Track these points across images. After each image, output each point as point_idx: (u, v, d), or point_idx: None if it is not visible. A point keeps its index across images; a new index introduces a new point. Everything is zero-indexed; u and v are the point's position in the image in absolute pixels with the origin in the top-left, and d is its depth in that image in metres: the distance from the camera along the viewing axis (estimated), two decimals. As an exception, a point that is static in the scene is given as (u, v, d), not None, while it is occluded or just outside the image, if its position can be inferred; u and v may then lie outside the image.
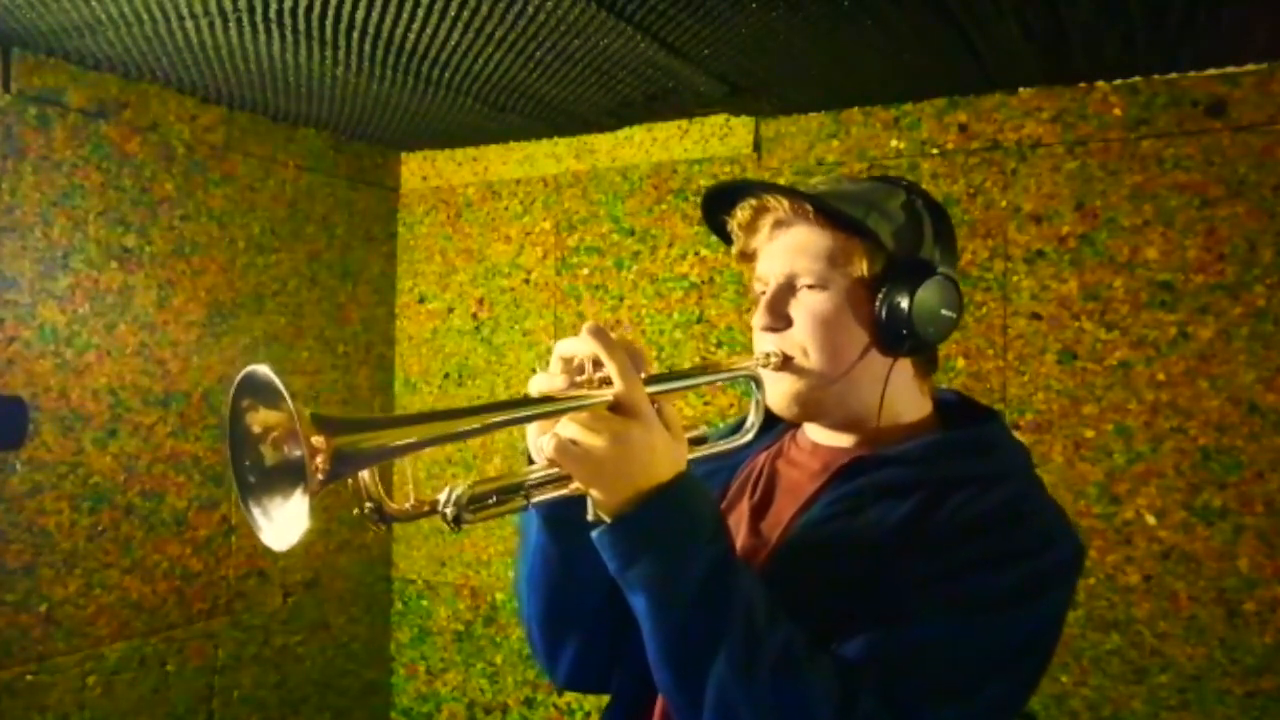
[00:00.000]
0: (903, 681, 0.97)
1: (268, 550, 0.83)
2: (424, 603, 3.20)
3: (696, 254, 2.82)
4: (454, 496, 0.95)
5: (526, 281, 3.08)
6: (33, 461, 2.26)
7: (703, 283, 2.81)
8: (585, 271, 2.98)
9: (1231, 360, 2.25)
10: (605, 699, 1.27)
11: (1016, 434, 2.35)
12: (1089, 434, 2.36)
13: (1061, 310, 2.40)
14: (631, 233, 2.91)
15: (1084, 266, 2.38)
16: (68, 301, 2.33)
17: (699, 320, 2.81)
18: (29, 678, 2.26)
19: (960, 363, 2.47)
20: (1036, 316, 2.43)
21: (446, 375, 3.19)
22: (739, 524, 1.19)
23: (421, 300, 3.24)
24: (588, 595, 1.14)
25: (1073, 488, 2.35)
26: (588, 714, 2.92)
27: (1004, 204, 2.46)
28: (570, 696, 2.93)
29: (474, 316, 3.16)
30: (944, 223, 1.19)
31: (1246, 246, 2.24)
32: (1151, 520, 2.31)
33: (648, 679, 1.02)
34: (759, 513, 1.20)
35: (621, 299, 2.91)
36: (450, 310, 3.20)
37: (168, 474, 2.54)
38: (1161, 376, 2.31)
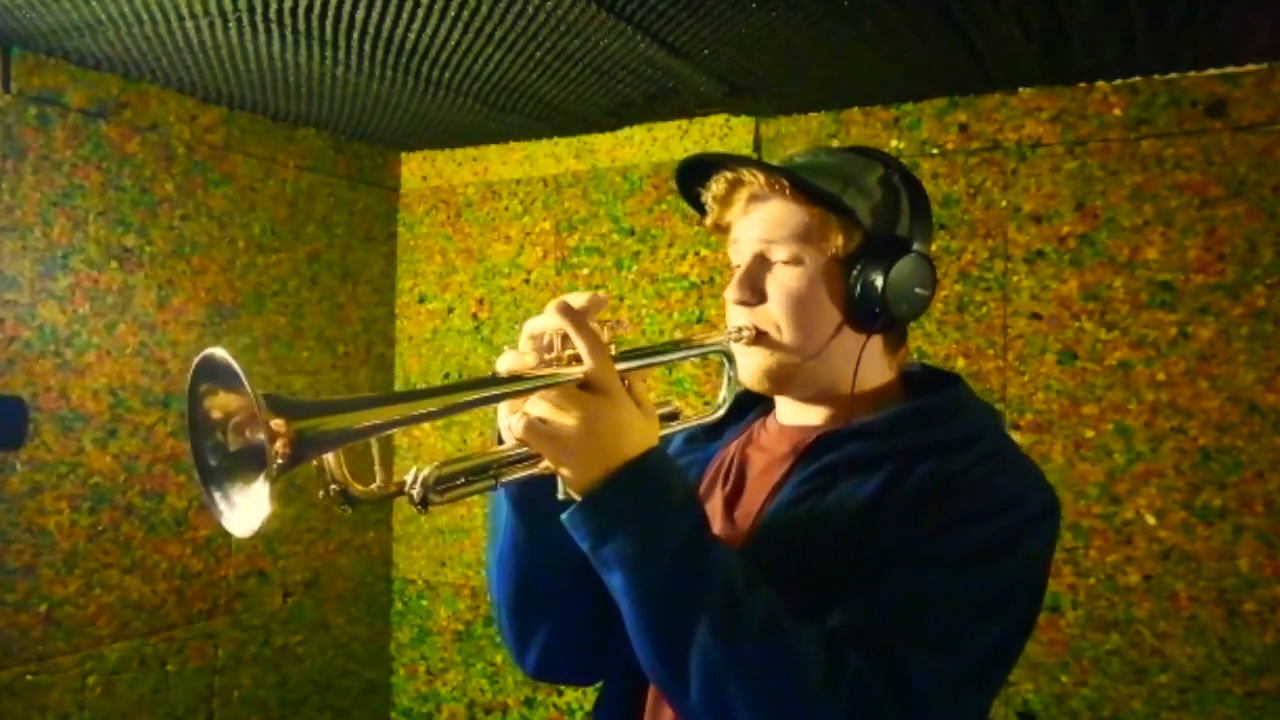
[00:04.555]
0: (887, 638, 0.97)
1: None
2: (424, 603, 3.20)
3: (696, 254, 2.82)
4: (421, 478, 0.93)
5: (526, 281, 3.08)
6: (33, 461, 2.26)
7: (703, 283, 2.81)
8: (585, 271, 2.98)
9: (1231, 360, 2.25)
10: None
11: (1016, 434, 2.39)
12: (1089, 434, 2.36)
13: (1061, 310, 2.40)
14: (631, 233, 2.91)
15: (1084, 266, 2.38)
16: (68, 301, 2.33)
17: (699, 320, 2.81)
18: (29, 678, 2.26)
19: (960, 363, 2.47)
20: (1036, 316, 2.43)
21: (446, 375, 3.18)
22: (715, 516, 1.18)
23: (421, 300, 3.24)
24: (558, 581, 1.13)
25: (1073, 488, 2.36)
26: (588, 714, 2.92)
27: (1004, 204, 2.46)
28: (570, 696, 2.93)
29: (474, 316, 3.16)
30: (920, 198, 1.19)
31: (1246, 246, 2.24)
32: (1151, 520, 2.31)
33: (636, 669, 1.01)
34: (732, 502, 1.20)
35: (621, 299, 2.91)
36: (450, 310, 3.20)
37: (168, 474, 2.54)
38: (1161, 376, 2.31)
